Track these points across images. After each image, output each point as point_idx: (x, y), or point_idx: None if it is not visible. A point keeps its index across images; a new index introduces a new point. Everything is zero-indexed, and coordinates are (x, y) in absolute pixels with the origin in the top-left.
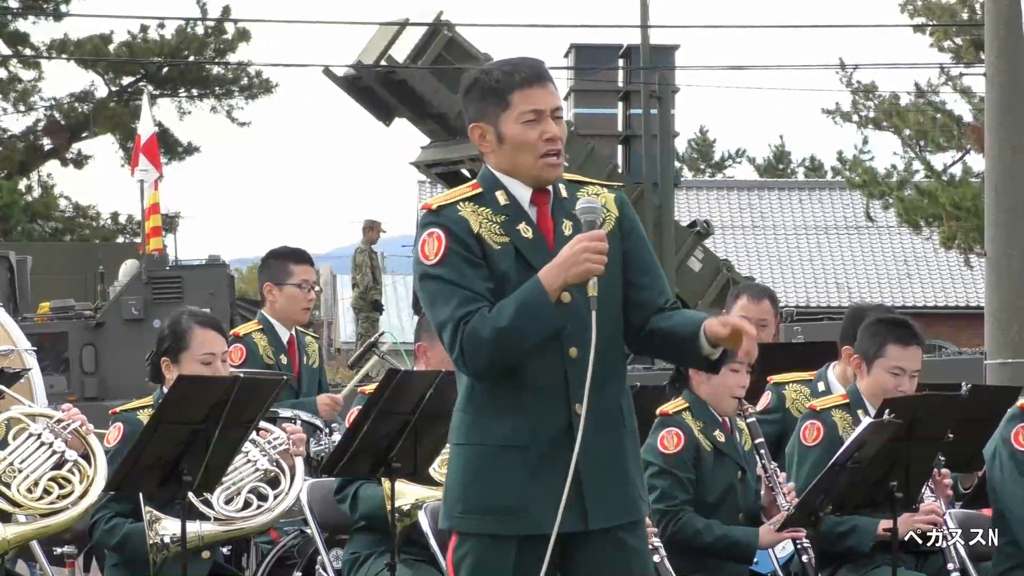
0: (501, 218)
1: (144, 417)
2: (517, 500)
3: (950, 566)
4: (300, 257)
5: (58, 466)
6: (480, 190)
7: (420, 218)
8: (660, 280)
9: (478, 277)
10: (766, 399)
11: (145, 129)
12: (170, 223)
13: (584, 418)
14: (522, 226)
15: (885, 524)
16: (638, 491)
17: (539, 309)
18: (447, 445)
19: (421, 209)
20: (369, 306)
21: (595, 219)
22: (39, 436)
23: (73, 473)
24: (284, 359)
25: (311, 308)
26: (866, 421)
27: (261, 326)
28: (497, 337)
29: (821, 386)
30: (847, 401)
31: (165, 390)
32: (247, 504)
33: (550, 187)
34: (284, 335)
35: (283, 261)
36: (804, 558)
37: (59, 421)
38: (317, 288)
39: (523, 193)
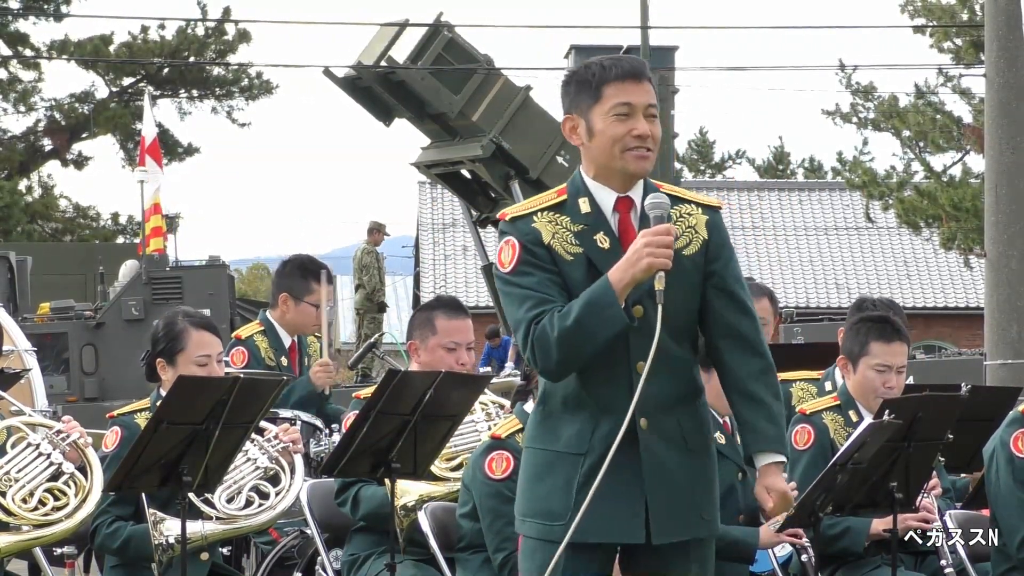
0: (579, 227)
1: (141, 420)
2: (564, 507)
3: (943, 562)
4: (323, 277)
5: (54, 478)
6: (564, 197)
7: (499, 226)
8: (740, 306)
9: (549, 281)
10: None
11: (148, 131)
12: (170, 223)
13: (648, 433)
14: (600, 236)
15: (878, 524)
16: (703, 510)
17: (605, 307)
18: (447, 445)
19: (499, 218)
20: (375, 307)
21: (662, 214)
22: (37, 447)
23: (69, 485)
24: (285, 361)
25: (319, 328)
26: (866, 421)
27: (263, 327)
28: (564, 335)
29: (828, 386)
30: (838, 403)
31: (162, 391)
32: (248, 502)
33: (636, 196)
34: (287, 339)
35: (306, 276)
36: (804, 557)
37: (58, 432)
38: (329, 305)
39: (607, 199)
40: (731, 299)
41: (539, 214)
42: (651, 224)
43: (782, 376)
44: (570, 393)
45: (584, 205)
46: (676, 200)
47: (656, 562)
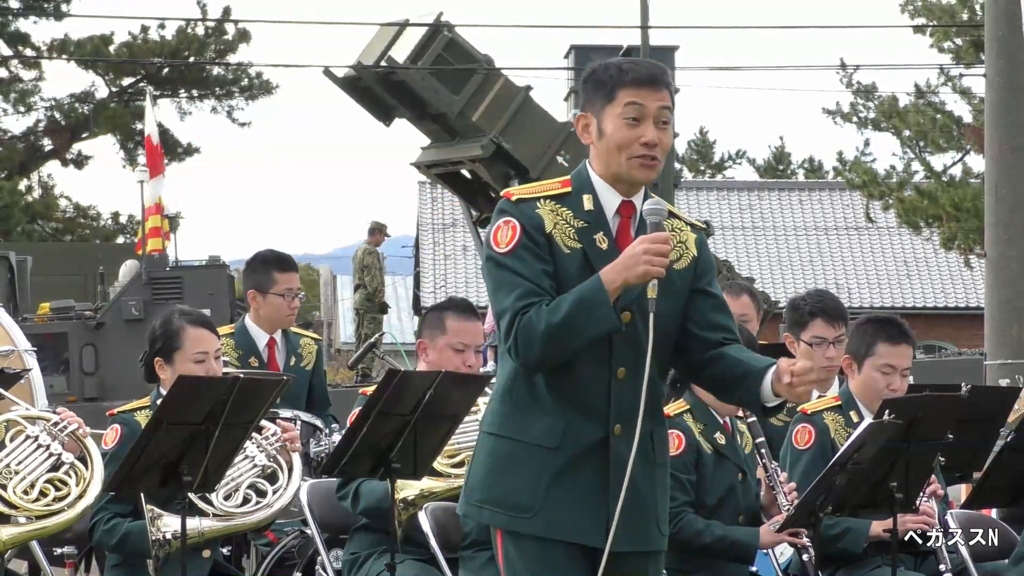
0: (580, 223)
1: (142, 419)
2: (533, 500)
3: (942, 567)
4: (284, 264)
5: (55, 468)
6: (568, 189)
7: (499, 204)
8: (727, 320)
9: (544, 272)
10: None
11: (152, 130)
12: (171, 223)
13: (619, 438)
14: (599, 235)
15: (878, 525)
16: (661, 522)
17: (596, 306)
18: (448, 444)
19: (502, 196)
20: (376, 308)
21: (659, 220)
22: (36, 438)
23: (70, 475)
24: (255, 362)
25: (295, 315)
26: (866, 422)
27: (233, 329)
28: (551, 330)
29: None
30: (839, 403)
31: (162, 390)
32: (246, 500)
33: (638, 203)
34: (262, 339)
35: (267, 268)
36: (804, 557)
37: (56, 424)
38: (302, 295)
39: (612, 200)
40: (719, 303)
41: (542, 201)
42: (648, 229)
43: None
44: (544, 387)
45: (588, 202)
46: (668, 215)
47: (619, 572)
